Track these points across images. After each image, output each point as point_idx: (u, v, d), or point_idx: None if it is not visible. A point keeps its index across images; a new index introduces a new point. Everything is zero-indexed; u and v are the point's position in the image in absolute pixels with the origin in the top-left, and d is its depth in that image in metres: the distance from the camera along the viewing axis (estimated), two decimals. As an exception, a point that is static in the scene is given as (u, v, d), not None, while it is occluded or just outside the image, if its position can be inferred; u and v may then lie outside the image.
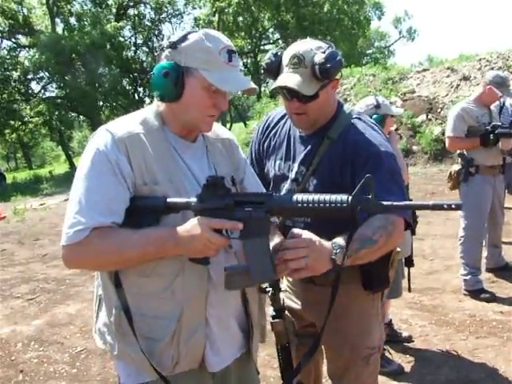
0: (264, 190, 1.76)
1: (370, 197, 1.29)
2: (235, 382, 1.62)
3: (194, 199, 1.38)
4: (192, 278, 1.44)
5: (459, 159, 4.38)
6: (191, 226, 1.35)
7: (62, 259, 1.43)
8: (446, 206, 1.24)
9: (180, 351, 1.46)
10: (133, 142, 1.41)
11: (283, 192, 1.97)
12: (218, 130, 1.66)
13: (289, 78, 1.75)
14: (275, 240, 1.63)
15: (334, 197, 1.32)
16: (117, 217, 1.39)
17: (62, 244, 1.38)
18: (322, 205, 1.32)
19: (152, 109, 1.52)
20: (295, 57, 1.75)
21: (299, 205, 1.34)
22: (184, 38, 1.42)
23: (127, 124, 1.46)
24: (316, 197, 1.33)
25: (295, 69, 1.75)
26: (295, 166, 1.93)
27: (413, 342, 3.61)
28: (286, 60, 1.79)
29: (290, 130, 2.00)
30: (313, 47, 1.76)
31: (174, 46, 1.41)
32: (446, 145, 4.53)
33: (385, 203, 1.30)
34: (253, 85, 1.47)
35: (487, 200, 4.32)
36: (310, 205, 1.33)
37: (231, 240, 1.40)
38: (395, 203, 1.30)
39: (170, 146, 1.47)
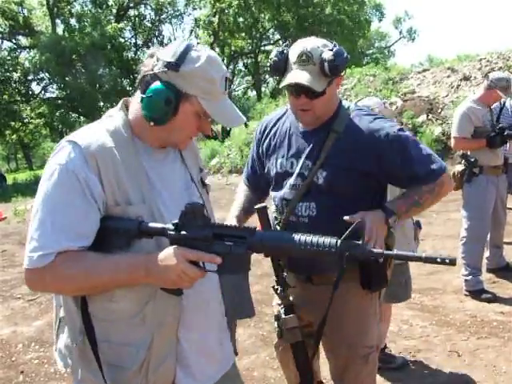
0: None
1: (360, 242, 1.25)
2: None
3: (170, 226, 1.31)
4: (164, 304, 1.36)
5: (462, 160, 4.36)
6: (166, 255, 1.27)
7: (25, 282, 1.32)
8: (439, 260, 1.21)
9: (148, 380, 1.39)
10: (104, 158, 1.30)
11: (286, 188, 1.98)
12: None
13: (299, 75, 1.78)
14: None
15: (322, 239, 1.26)
16: (85, 241, 1.30)
17: (25, 267, 1.29)
18: (309, 247, 1.26)
19: (120, 116, 1.41)
20: (303, 54, 1.79)
21: (284, 244, 1.28)
22: (184, 57, 1.33)
23: (97, 136, 1.34)
24: (303, 237, 1.27)
25: (304, 66, 1.78)
26: (300, 162, 1.94)
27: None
28: (293, 57, 1.82)
29: (290, 128, 2.02)
30: (319, 45, 1.81)
31: (175, 67, 1.32)
32: (452, 145, 4.52)
33: (375, 251, 1.27)
34: (245, 120, 1.47)
35: (491, 200, 4.31)
36: (297, 245, 1.27)
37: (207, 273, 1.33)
38: (386, 252, 1.28)
39: (142, 159, 1.38)
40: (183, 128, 1.40)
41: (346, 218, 1.72)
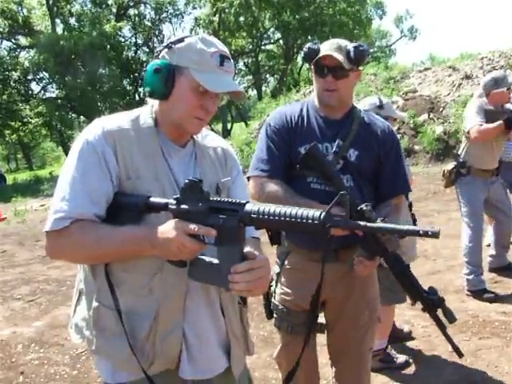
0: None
1: (344, 214, 1.25)
2: None
3: (172, 201, 1.39)
4: (170, 278, 1.44)
5: (454, 158, 4.40)
6: (167, 228, 1.36)
7: (45, 249, 1.47)
8: (421, 233, 1.17)
9: (155, 350, 1.46)
10: (121, 137, 1.45)
11: None
12: (213, 138, 1.68)
13: (332, 53, 2.08)
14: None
15: (306, 212, 1.27)
16: (98, 207, 1.41)
17: (45, 230, 1.42)
18: (293, 219, 1.28)
19: (148, 108, 1.54)
20: (335, 43, 2.13)
21: (270, 217, 1.30)
22: (181, 39, 1.46)
23: (119, 120, 1.49)
24: (289, 210, 1.29)
25: (335, 51, 2.09)
26: (335, 143, 2.14)
27: (413, 339, 3.62)
28: (325, 46, 2.13)
29: (316, 118, 2.20)
30: (346, 42, 2.15)
31: (169, 46, 1.45)
32: (472, 137, 4.12)
33: (359, 223, 1.27)
34: (239, 88, 1.48)
35: (477, 200, 4.31)
36: (282, 218, 1.29)
37: (207, 246, 1.38)
38: (368, 224, 1.27)
39: (159, 146, 1.49)
40: (182, 103, 1.45)
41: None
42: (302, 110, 2.23)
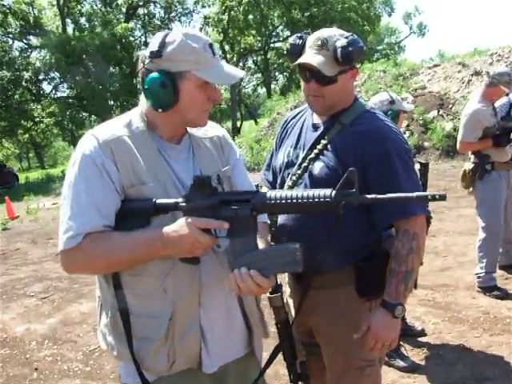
0: (253, 187, 1.72)
1: (354, 190, 1.27)
2: (233, 382, 1.60)
3: (181, 199, 1.40)
4: (183, 277, 1.45)
5: (472, 156, 4.30)
6: (179, 226, 1.36)
7: (61, 265, 1.47)
8: (430, 198, 1.23)
9: (175, 350, 1.47)
10: (118, 145, 1.43)
11: (287, 179, 1.95)
12: (207, 128, 1.64)
13: (311, 57, 1.79)
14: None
15: (317, 192, 1.29)
16: (107, 219, 1.41)
17: (60, 249, 1.43)
18: (305, 200, 1.30)
19: (137, 112, 1.53)
20: (319, 39, 1.79)
21: (283, 201, 1.32)
22: (163, 43, 1.41)
23: (112, 128, 1.48)
24: (300, 193, 1.31)
25: (318, 50, 1.79)
26: (304, 152, 1.92)
27: (425, 335, 3.63)
28: (309, 42, 1.83)
29: (304, 121, 2.02)
30: (337, 33, 1.81)
31: (158, 54, 1.40)
32: (458, 148, 4.44)
33: (369, 197, 1.28)
34: (243, 74, 1.56)
35: (502, 195, 4.26)
36: (294, 201, 1.31)
37: (219, 239, 1.40)
38: (379, 196, 1.28)
39: (156, 148, 1.48)
40: (193, 104, 1.46)
41: (355, 336, 1.79)
42: (300, 113, 2.08)
